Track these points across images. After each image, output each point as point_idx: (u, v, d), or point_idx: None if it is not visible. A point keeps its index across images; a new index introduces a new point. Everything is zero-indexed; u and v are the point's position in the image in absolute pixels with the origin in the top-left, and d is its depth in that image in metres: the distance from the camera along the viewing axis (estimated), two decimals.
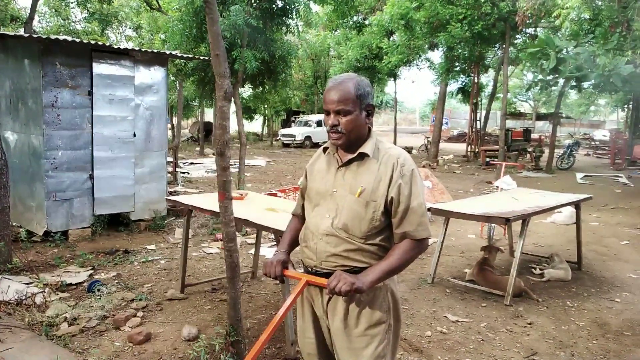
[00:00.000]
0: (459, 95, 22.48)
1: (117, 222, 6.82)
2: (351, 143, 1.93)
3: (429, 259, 5.48)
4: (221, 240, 6.13)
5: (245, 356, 1.86)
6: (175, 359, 3.35)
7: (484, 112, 20.92)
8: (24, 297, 4.09)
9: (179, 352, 3.44)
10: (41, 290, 4.31)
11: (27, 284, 4.46)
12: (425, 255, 5.79)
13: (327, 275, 1.89)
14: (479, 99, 20.82)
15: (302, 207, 2.16)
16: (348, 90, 1.87)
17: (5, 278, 4.49)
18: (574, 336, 3.89)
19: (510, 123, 29.44)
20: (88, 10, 14.02)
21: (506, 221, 4.44)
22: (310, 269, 2.00)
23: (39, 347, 3.30)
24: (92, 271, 5.09)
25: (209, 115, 28.70)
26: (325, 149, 2.07)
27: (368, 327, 1.94)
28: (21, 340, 3.38)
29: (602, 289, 5.01)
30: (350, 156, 1.95)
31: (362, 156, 1.93)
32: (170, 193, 8.58)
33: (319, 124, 25.37)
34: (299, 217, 2.21)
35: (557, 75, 11.46)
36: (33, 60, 6.03)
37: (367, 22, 21.01)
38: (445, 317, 4.19)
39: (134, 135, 6.75)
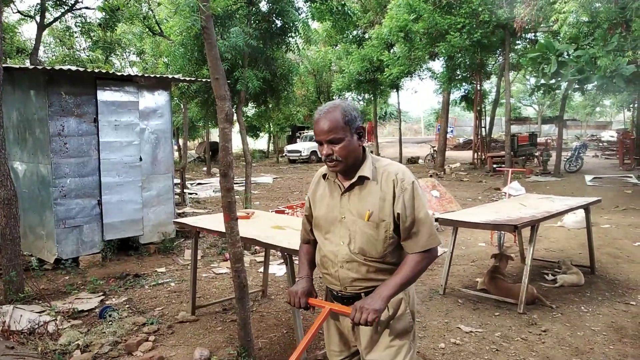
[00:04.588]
0: (463, 103, 22.50)
1: (126, 247, 6.86)
2: (349, 168, 1.97)
3: (440, 270, 5.44)
4: None
5: None
6: None
7: (488, 119, 20.90)
8: (36, 326, 4.10)
9: None
10: (53, 318, 4.33)
11: (39, 312, 4.49)
12: (436, 265, 5.75)
13: (352, 297, 1.99)
14: (483, 105, 20.80)
15: (311, 232, 2.20)
16: (336, 118, 1.90)
17: (18, 308, 4.51)
18: (590, 342, 3.83)
19: (515, 128, 29.38)
20: (92, 38, 14.28)
21: (514, 228, 4.42)
22: (335, 293, 2.06)
23: None
24: (103, 297, 5.11)
25: (215, 135, 28.88)
26: (324, 175, 2.10)
27: (394, 338, 1.99)
28: None
29: (617, 292, 4.94)
30: (350, 181, 1.99)
31: (363, 179, 1.97)
32: (179, 214, 8.62)
33: None
34: (310, 242, 2.24)
35: (559, 79, 11.43)
36: (39, 90, 6.14)
37: (366, 36, 21.17)
38: (459, 327, 4.15)
39: (140, 159, 6.82)
